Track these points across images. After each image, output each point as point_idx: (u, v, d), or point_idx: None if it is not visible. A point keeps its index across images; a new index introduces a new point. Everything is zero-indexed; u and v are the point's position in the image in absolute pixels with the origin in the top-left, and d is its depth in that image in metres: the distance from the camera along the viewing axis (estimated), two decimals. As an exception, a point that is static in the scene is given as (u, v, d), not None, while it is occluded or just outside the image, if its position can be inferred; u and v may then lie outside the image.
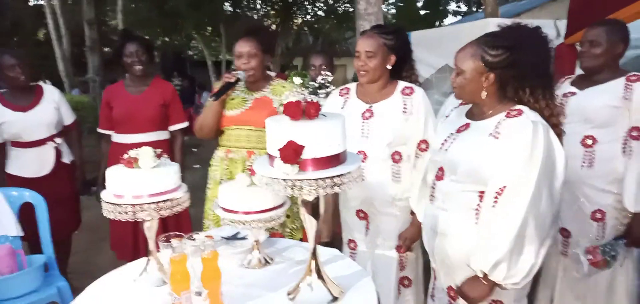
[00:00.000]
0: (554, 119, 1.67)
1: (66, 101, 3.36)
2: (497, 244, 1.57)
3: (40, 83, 3.33)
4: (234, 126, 2.48)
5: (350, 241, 2.38)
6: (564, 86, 2.44)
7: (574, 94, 2.38)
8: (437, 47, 4.73)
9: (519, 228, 1.55)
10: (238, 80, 2.39)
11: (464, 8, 18.93)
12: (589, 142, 2.30)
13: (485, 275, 1.62)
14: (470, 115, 1.79)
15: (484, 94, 1.68)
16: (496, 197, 1.61)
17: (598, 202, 2.30)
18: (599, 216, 2.31)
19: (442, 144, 1.81)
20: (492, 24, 3.37)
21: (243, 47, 2.44)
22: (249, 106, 2.48)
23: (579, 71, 2.50)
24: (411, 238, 2.22)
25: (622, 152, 2.24)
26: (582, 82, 2.39)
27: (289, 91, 2.50)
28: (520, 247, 1.57)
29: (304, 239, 2.35)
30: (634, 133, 2.21)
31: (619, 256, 2.24)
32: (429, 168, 1.97)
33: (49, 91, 3.29)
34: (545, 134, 1.57)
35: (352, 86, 2.37)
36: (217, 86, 2.52)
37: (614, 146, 2.26)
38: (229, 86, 2.38)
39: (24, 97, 3.13)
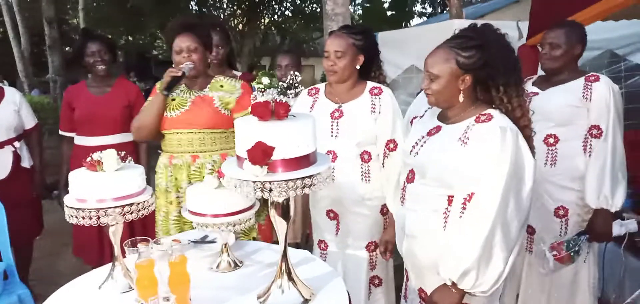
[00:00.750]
0: (524, 120, 1.66)
1: (27, 104, 3.25)
2: (465, 252, 1.55)
3: (0, 84, 3.21)
4: (175, 129, 2.37)
5: (321, 241, 2.37)
6: (526, 87, 2.49)
7: (536, 94, 2.43)
8: (403, 47, 4.78)
9: (487, 235, 1.53)
10: (183, 74, 2.34)
11: (429, 10, 19.25)
12: (551, 140, 2.36)
13: (454, 283, 1.60)
14: (441, 117, 1.77)
15: (461, 98, 1.66)
16: (464, 204, 1.60)
17: (561, 199, 2.36)
18: (562, 212, 2.37)
19: (413, 146, 1.79)
20: (456, 25, 3.42)
21: (183, 42, 2.35)
22: (188, 107, 2.37)
23: (540, 72, 2.57)
24: (392, 240, 2.17)
25: (583, 150, 2.31)
26: (543, 83, 2.45)
27: (221, 80, 2.46)
28: (488, 255, 1.55)
29: (260, 234, 2.33)
30: (594, 131, 2.28)
31: (582, 251, 2.31)
32: (401, 170, 1.96)
33: (10, 92, 3.18)
34: (514, 141, 1.56)
35: (321, 86, 2.37)
36: (159, 84, 2.47)
37: (575, 144, 2.32)
38: (176, 80, 2.33)
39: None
